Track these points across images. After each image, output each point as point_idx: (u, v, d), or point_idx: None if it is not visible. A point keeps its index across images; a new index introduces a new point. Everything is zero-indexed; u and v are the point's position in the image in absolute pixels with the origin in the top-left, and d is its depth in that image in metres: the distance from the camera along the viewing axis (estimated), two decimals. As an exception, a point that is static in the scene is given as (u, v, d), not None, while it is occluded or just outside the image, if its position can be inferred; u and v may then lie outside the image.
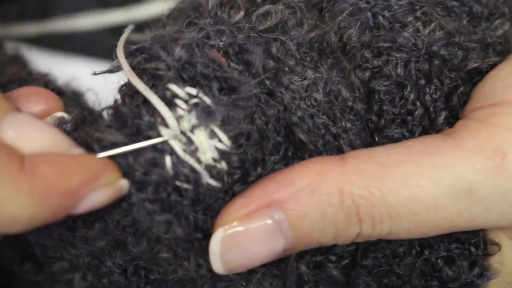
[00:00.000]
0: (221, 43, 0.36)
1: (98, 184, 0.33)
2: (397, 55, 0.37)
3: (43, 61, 0.52)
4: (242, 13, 0.38)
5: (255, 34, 0.37)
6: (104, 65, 0.39)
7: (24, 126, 0.34)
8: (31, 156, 0.33)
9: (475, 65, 0.38)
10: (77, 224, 0.37)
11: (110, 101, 0.37)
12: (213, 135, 0.34)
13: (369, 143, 0.38)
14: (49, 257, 0.40)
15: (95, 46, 0.62)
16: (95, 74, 0.38)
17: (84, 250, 0.38)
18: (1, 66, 0.45)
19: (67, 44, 0.61)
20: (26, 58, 0.49)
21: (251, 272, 0.37)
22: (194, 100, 0.34)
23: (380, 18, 0.38)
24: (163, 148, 0.34)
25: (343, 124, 0.37)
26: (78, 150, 0.35)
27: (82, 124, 0.37)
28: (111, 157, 0.34)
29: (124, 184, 0.34)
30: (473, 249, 0.38)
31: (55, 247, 0.38)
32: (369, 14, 0.38)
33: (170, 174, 0.34)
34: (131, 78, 0.35)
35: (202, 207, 0.35)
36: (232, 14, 0.38)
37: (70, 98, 0.43)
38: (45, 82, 0.43)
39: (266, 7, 0.38)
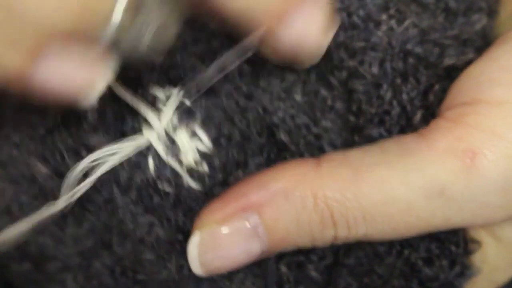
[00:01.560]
0: (198, 50, 0.37)
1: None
2: (372, 55, 0.37)
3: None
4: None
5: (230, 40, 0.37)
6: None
7: None
8: None
9: (451, 62, 0.37)
10: (66, 222, 0.38)
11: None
12: (194, 136, 0.35)
13: (350, 142, 0.38)
14: (44, 256, 0.41)
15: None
16: None
17: (74, 249, 0.39)
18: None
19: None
20: None
21: (233, 272, 0.38)
22: (174, 101, 0.35)
23: (355, 17, 0.37)
24: (146, 152, 0.35)
25: (324, 123, 0.38)
26: None
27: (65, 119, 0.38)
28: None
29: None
30: (453, 248, 0.37)
31: (49, 246, 0.40)
32: (343, 14, 0.37)
33: (153, 176, 0.35)
34: (112, 84, 0.36)
35: (183, 208, 0.36)
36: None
37: None
38: None
39: None
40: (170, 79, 0.35)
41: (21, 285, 0.44)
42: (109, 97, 0.36)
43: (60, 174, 0.36)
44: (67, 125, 0.39)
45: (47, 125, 0.38)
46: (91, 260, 0.39)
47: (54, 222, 0.38)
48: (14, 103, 0.41)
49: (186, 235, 0.37)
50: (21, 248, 0.42)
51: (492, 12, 0.39)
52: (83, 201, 0.36)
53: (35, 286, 0.43)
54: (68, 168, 0.36)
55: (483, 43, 0.38)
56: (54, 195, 0.37)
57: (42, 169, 0.37)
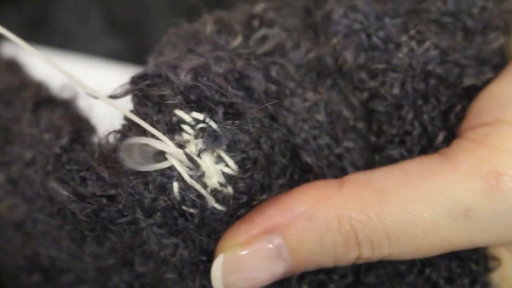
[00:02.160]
0: (221, 70, 0.37)
1: None
2: (393, 76, 0.37)
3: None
4: (240, 39, 0.38)
5: (254, 60, 0.37)
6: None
7: None
8: None
9: (471, 82, 0.38)
10: (86, 241, 0.38)
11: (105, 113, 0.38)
12: (219, 159, 0.35)
13: (371, 162, 0.38)
14: (57, 269, 0.41)
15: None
16: (93, 97, 0.38)
17: (91, 265, 0.39)
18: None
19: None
20: (23, 62, 0.48)
21: None
22: (201, 125, 0.35)
23: (375, 38, 0.37)
24: (171, 174, 0.34)
25: (346, 144, 0.38)
26: None
27: (79, 136, 0.38)
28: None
29: None
30: (473, 266, 0.38)
31: (63, 260, 0.39)
32: (363, 35, 0.38)
33: (177, 199, 0.35)
34: (127, 114, 0.35)
35: (207, 230, 0.36)
36: (230, 40, 0.38)
37: (59, 106, 0.42)
38: (36, 91, 0.42)
39: (263, 31, 0.38)
40: (195, 100, 0.35)
41: None
42: (131, 120, 0.35)
43: (81, 197, 0.36)
44: (83, 144, 0.39)
45: (62, 144, 0.38)
46: (109, 275, 0.39)
47: (72, 239, 0.38)
48: (27, 121, 0.40)
49: (210, 255, 0.37)
50: (31, 260, 0.41)
51: (508, 31, 0.39)
52: (105, 223, 0.36)
53: None
54: (89, 191, 0.36)
55: (500, 61, 0.39)
56: (74, 216, 0.37)
57: (62, 192, 0.36)
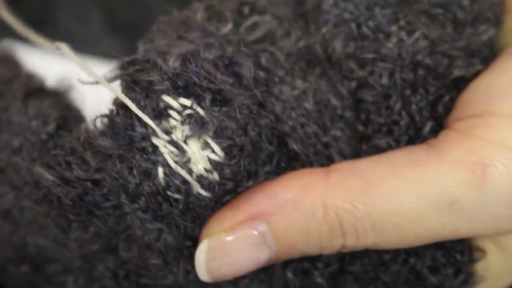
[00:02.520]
0: (210, 56, 0.36)
1: None
2: (382, 66, 0.37)
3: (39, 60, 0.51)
4: (230, 26, 0.38)
5: (244, 47, 0.37)
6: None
7: None
8: None
9: (460, 73, 0.38)
10: (71, 227, 0.38)
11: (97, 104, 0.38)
12: (206, 146, 0.35)
13: (358, 151, 0.38)
14: (44, 258, 0.41)
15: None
16: (82, 82, 0.38)
17: (77, 253, 0.39)
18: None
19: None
20: (20, 56, 0.48)
21: (239, 277, 0.38)
22: (188, 111, 0.35)
23: (364, 28, 0.37)
24: (156, 160, 0.34)
25: (333, 132, 0.38)
26: None
27: (65, 123, 0.38)
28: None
29: None
30: (458, 256, 0.38)
31: (50, 248, 0.39)
32: (353, 25, 0.37)
33: (162, 185, 0.35)
34: (116, 93, 0.35)
35: (192, 216, 0.36)
36: (220, 27, 0.38)
37: (49, 95, 0.42)
38: (26, 81, 0.42)
39: (254, 18, 0.38)
40: (183, 86, 0.35)
41: None
42: (120, 103, 0.35)
43: (66, 181, 0.36)
44: (70, 131, 0.39)
45: (48, 131, 0.38)
46: (94, 263, 0.39)
47: (58, 225, 0.38)
48: (16, 110, 0.40)
49: (195, 241, 0.37)
50: (20, 250, 0.41)
51: (498, 23, 0.39)
52: (90, 207, 0.36)
53: None
54: (74, 175, 0.36)
55: (490, 53, 0.39)
56: (59, 201, 0.37)
57: (47, 176, 0.36)
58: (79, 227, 0.37)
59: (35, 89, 0.42)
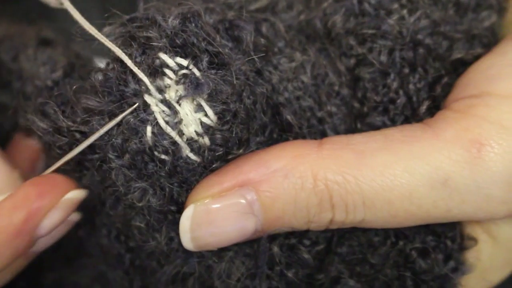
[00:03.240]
0: (211, 20, 0.36)
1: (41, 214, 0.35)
2: (381, 43, 0.37)
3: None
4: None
5: (245, 14, 0.37)
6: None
7: None
8: None
9: (459, 55, 0.37)
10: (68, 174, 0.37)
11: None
12: (199, 108, 0.34)
13: (353, 129, 0.38)
14: None
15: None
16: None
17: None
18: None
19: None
20: None
21: (223, 249, 0.37)
22: (184, 71, 0.34)
23: (366, 4, 0.37)
24: (145, 118, 0.34)
25: (329, 108, 0.37)
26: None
27: (72, 71, 0.38)
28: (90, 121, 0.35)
29: (72, 196, 0.36)
30: (449, 243, 0.37)
31: None
32: (354, 0, 0.37)
33: (149, 144, 0.34)
34: (111, 47, 0.35)
35: (179, 179, 0.35)
36: None
37: (61, 44, 0.42)
38: (38, 31, 0.43)
39: None
40: (181, 46, 0.34)
41: None
42: (115, 59, 0.35)
43: (57, 130, 0.36)
44: (77, 78, 0.38)
45: (54, 78, 0.38)
46: (92, 215, 0.39)
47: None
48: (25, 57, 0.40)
49: (180, 206, 0.36)
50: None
51: (501, 10, 0.39)
52: (81, 159, 0.36)
53: None
54: (66, 124, 0.35)
55: (492, 40, 0.38)
56: (50, 148, 0.36)
57: (39, 124, 0.36)
58: (73, 177, 0.37)
59: (47, 39, 0.42)
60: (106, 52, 0.35)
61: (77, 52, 0.41)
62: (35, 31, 0.42)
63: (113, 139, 0.34)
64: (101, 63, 0.37)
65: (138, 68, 0.34)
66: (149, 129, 0.34)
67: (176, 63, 0.34)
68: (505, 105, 0.34)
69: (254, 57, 0.35)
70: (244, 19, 0.36)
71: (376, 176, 0.34)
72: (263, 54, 0.36)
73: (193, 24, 0.35)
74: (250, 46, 0.36)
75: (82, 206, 0.37)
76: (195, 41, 0.34)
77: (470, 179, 0.34)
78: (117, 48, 0.34)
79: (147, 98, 0.34)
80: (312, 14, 0.38)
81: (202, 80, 0.34)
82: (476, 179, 0.34)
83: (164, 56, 0.34)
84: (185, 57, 0.34)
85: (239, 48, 0.35)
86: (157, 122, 0.34)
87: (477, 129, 0.34)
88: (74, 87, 0.35)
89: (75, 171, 0.36)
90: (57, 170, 0.36)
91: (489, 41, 0.38)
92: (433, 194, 0.34)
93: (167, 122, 0.34)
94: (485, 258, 0.38)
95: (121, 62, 0.34)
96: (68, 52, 0.41)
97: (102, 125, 0.34)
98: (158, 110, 0.34)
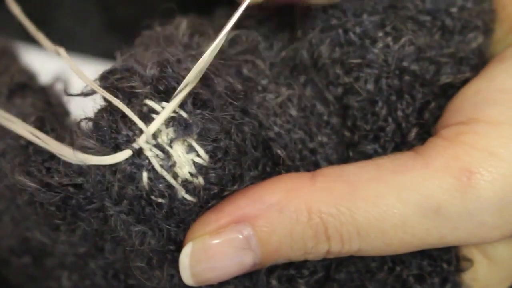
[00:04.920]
0: (184, 66, 0.36)
1: None
2: (368, 71, 0.37)
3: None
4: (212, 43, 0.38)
5: (226, 59, 0.37)
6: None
7: None
8: None
9: (448, 80, 0.37)
10: (59, 229, 0.38)
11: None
12: (190, 149, 0.35)
13: (345, 157, 0.38)
14: (44, 251, 0.42)
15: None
16: (69, 95, 0.38)
17: (69, 250, 0.39)
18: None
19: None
20: (17, 52, 0.48)
21: (223, 284, 0.37)
22: (171, 114, 0.35)
23: (351, 34, 0.37)
24: (140, 164, 0.34)
25: (320, 138, 0.38)
26: None
27: (43, 124, 0.38)
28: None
29: None
30: (445, 266, 0.38)
31: (47, 243, 0.40)
32: (340, 30, 0.37)
33: (146, 189, 0.34)
34: (103, 94, 0.35)
35: (176, 220, 0.36)
36: (201, 43, 0.38)
37: (34, 92, 0.42)
38: (13, 76, 0.42)
39: (237, 32, 0.38)
40: (164, 91, 0.35)
41: (18, 282, 0.43)
42: (104, 108, 0.35)
43: (48, 187, 0.36)
44: (52, 131, 0.38)
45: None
46: (86, 260, 0.39)
47: (48, 225, 0.38)
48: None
49: (179, 245, 0.36)
50: (22, 242, 0.42)
51: (488, 31, 0.39)
52: (74, 209, 0.36)
53: (32, 283, 0.42)
54: (56, 180, 0.36)
55: (479, 61, 0.39)
56: (43, 207, 0.37)
57: (30, 184, 0.36)
58: (66, 230, 0.37)
59: (20, 85, 0.42)
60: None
61: (49, 100, 0.42)
62: (11, 75, 0.42)
63: (110, 188, 0.35)
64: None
65: (127, 117, 0.34)
66: (145, 175, 0.34)
67: (162, 107, 0.35)
68: (493, 132, 0.35)
69: (232, 101, 0.36)
70: (215, 68, 0.37)
71: (369, 207, 0.35)
72: (243, 97, 0.37)
73: (170, 70, 0.35)
74: (225, 94, 0.36)
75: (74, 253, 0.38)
76: (175, 85, 0.35)
77: (462, 207, 0.34)
78: (115, 99, 0.34)
79: (141, 143, 0.34)
80: (298, 45, 0.38)
81: (190, 121, 0.34)
82: (468, 206, 0.34)
83: (151, 103, 0.35)
84: (169, 101, 0.35)
85: (215, 94, 0.36)
86: (152, 166, 0.34)
87: (466, 157, 0.34)
88: (66, 140, 0.36)
89: (70, 224, 0.37)
90: None
91: (477, 63, 0.39)
92: (426, 223, 0.35)
93: (162, 166, 0.34)
94: (481, 278, 0.38)
95: (110, 111, 0.35)
96: (39, 101, 0.41)
97: (99, 174, 0.35)
98: (152, 154, 0.34)
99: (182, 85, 0.34)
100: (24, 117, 0.38)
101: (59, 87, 0.43)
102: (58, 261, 0.41)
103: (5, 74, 0.43)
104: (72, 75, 0.38)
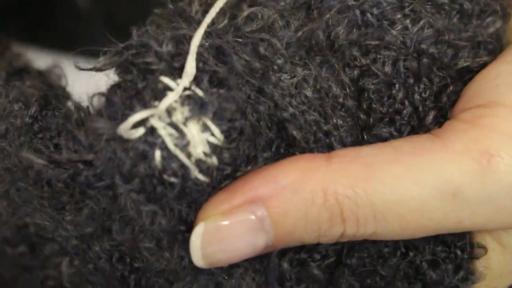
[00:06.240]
0: (207, 44, 0.36)
1: None
2: (385, 53, 0.37)
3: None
4: (226, 20, 0.37)
5: (241, 37, 0.37)
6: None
7: None
8: None
9: (465, 64, 0.37)
10: (65, 208, 0.37)
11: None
12: (205, 128, 0.34)
13: (360, 141, 0.38)
14: (42, 238, 0.40)
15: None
16: (79, 68, 0.37)
17: (73, 232, 0.38)
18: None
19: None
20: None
21: (233, 266, 0.37)
22: (187, 92, 0.34)
23: (369, 15, 0.37)
24: (153, 142, 0.33)
25: (334, 121, 0.37)
26: None
27: (47, 103, 0.38)
28: None
29: None
30: (459, 252, 0.37)
31: (47, 228, 0.39)
32: (357, 11, 0.37)
33: (158, 168, 0.34)
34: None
35: (188, 200, 0.35)
36: (216, 20, 0.37)
37: (33, 75, 0.41)
38: (10, 61, 0.42)
39: (252, 9, 0.38)
40: (180, 68, 0.34)
41: (11, 275, 0.43)
42: (118, 84, 0.35)
43: (57, 163, 0.35)
44: (54, 110, 0.38)
45: (31, 113, 0.37)
46: (90, 243, 0.38)
47: (53, 206, 0.37)
48: None
49: (189, 226, 0.36)
50: (18, 231, 0.41)
51: (506, 15, 0.39)
52: (83, 187, 0.35)
53: (27, 274, 0.42)
54: (65, 157, 0.35)
55: (497, 46, 0.38)
56: (51, 185, 0.36)
57: (38, 161, 0.35)
58: (72, 209, 0.36)
59: (18, 69, 0.41)
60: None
61: (50, 82, 0.41)
62: (8, 60, 0.42)
63: (121, 165, 0.34)
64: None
65: (142, 94, 0.34)
66: (158, 153, 0.33)
67: (177, 84, 0.34)
68: None
69: (249, 79, 0.35)
70: (231, 44, 0.36)
71: (386, 189, 0.34)
72: (260, 76, 0.36)
73: (187, 46, 0.35)
74: (242, 72, 0.35)
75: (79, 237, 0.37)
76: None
77: (480, 190, 0.34)
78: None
79: (155, 122, 0.33)
80: (314, 26, 0.37)
81: (206, 100, 0.34)
82: (486, 190, 0.34)
83: (166, 79, 0.34)
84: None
85: (232, 72, 0.35)
86: (166, 145, 0.33)
87: (487, 140, 0.34)
88: (75, 116, 0.35)
89: (77, 202, 0.36)
90: None
91: (494, 47, 0.38)
92: (443, 206, 0.34)
93: (175, 145, 0.33)
94: (494, 266, 0.38)
95: (124, 88, 0.34)
96: (40, 82, 0.40)
97: (110, 150, 0.34)
98: (166, 133, 0.33)
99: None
100: (26, 100, 0.38)
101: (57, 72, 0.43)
102: (58, 247, 0.40)
103: (1, 59, 0.42)
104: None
